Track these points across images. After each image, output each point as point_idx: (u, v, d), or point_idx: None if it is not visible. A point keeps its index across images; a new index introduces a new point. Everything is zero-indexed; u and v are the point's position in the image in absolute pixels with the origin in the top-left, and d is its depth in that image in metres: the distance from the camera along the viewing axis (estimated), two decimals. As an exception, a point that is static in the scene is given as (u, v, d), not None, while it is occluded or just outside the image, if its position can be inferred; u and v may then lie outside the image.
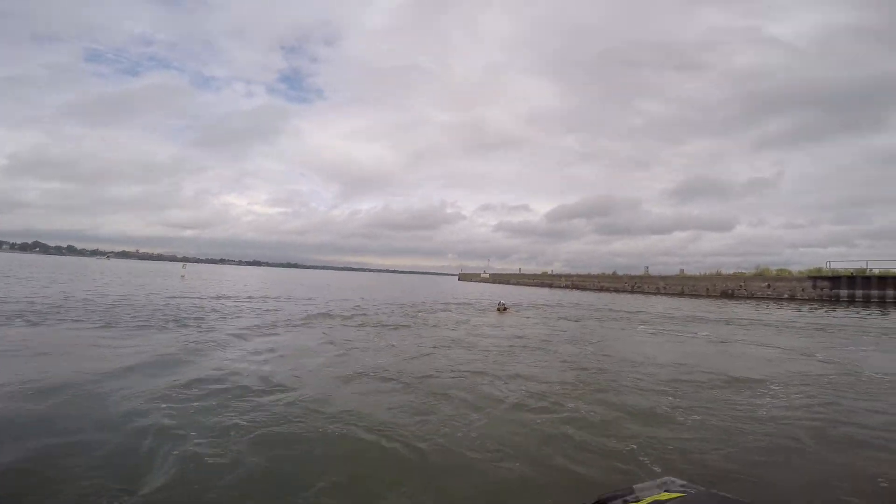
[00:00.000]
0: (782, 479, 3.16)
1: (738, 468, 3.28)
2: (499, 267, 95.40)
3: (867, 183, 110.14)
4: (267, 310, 13.67)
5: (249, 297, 18.35)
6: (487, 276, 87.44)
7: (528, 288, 54.77)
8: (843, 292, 30.97)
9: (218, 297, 17.38)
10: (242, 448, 3.37)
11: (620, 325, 13.13)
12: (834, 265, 33.98)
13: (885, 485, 3.00)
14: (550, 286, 58.88)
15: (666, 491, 0.88)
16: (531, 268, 79.17)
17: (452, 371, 6.21)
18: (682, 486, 0.89)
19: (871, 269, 31.77)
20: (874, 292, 29.85)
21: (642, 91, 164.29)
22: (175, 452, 3.21)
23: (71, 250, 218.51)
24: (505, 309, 16.19)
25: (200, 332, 8.83)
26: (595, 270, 55.74)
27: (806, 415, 4.51)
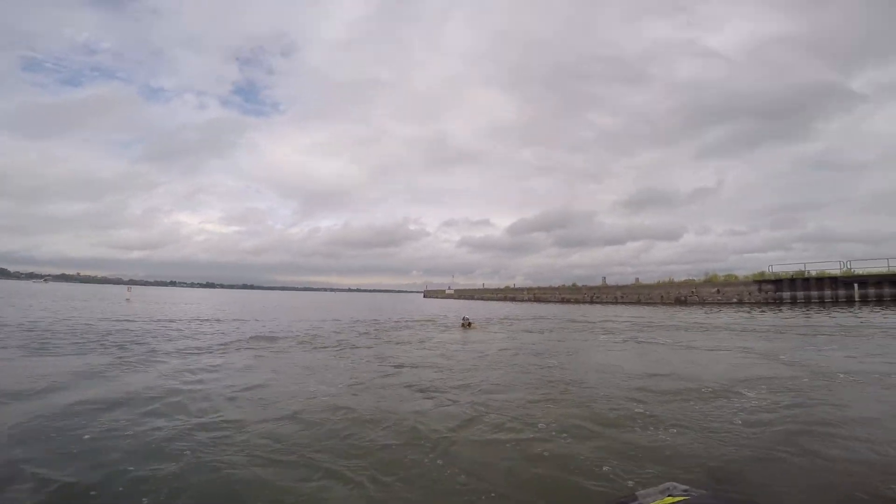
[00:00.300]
0: (774, 486, 2.88)
1: (725, 477, 3.01)
2: (463, 283, 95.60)
3: (799, 189, 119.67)
4: (214, 332, 12.56)
5: (197, 320, 16.94)
6: (452, 292, 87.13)
7: (491, 303, 54.86)
8: (786, 294, 32.93)
9: (163, 321, 15.92)
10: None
11: (584, 336, 13.01)
12: (775, 269, 36.23)
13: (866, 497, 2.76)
14: (513, 300, 59.29)
15: (669, 496, 0.84)
16: (494, 282, 79.81)
17: (417, 392, 5.66)
18: (685, 490, 0.86)
19: (808, 271, 34.07)
20: (813, 293, 31.93)
21: (593, 104, 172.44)
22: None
23: (3, 273, 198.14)
24: (469, 324, 15.88)
25: (134, 355, 7.83)
26: (555, 283, 56.78)
27: (787, 420, 4.31)
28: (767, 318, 18.68)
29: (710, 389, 5.49)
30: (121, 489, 2.90)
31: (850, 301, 30.34)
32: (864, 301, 29.85)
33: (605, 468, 3.22)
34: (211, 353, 8.91)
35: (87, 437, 3.80)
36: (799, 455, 3.40)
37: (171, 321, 16.42)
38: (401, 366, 7.67)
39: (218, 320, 17.46)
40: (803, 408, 4.68)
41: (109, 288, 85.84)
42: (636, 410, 4.64)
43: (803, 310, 23.46)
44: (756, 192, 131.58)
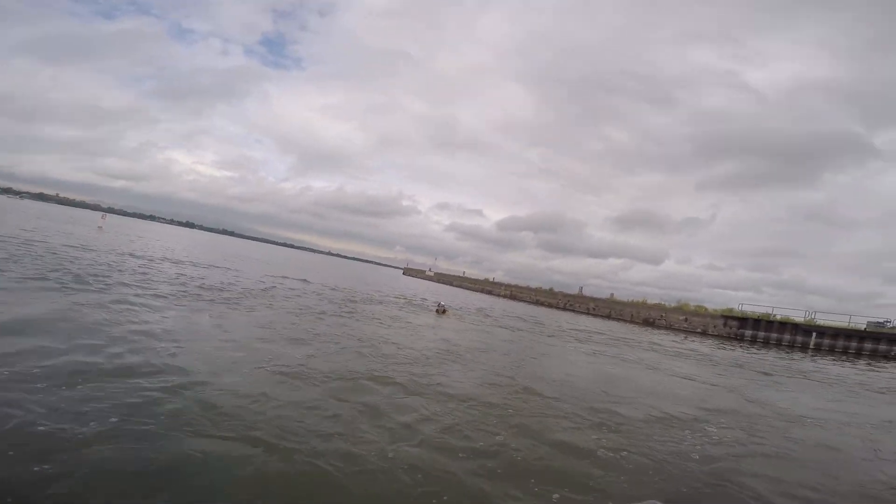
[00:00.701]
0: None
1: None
2: (444, 267, 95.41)
3: (786, 236, 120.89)
4: (185, 277, 12.15)
5: (165, 260, 16.44)
6: (432, 274, 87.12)
7: (469, 292, 55.11)
8: (748, 332, 34.03)
9: (129, 256, 15.35)
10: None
11: (555, 342, 13.14)
12: (745, 308, 37.32)
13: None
14: (490, 293, 59.65)
15: None
16: (475, 272, 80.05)
17: (375, 376, 5.56)
18: None
19: (774, 315, 35.25)
20: (773, 335, 33.09)
21: (611, 118, 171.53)
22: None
23: None
24: (444, 311, 15.80)
25: (91, 293, 7.48)
26: (533, 283, 57.23)
27: (748, 458, 4.38)
28: (729, 352, 19.23)
29: (673, 418, 5.58)
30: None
31: (804, 347, 31.59)
32: (818, 349, 31.11)
33: (554, 496, 3.15)
34: (200, 302, 8.64)
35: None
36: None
37: (141, 258, 15.87)
38: (372, 344, 7.56)
39: (211, 267, 16.99)
40: (761, 446, 4.77)
41: (84, 212, 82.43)
42: (595, 436, 4.62)
43: (761, 349, 24.30)
44: (745, 231, 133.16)
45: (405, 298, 20.91)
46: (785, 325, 33.35)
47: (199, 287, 10.86)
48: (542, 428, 4.55)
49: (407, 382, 5.53)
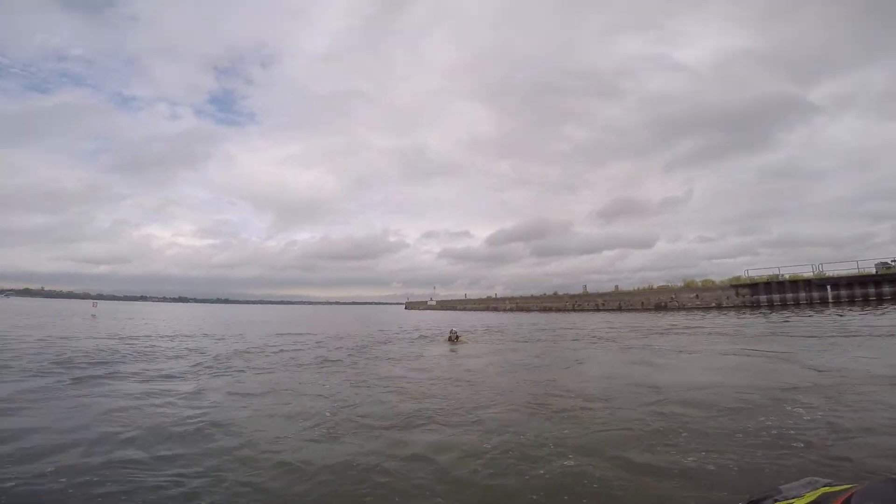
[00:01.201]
0: None
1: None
2: (444, 294, 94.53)
3: (764, 196, 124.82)
4: (187, 350, 11.37)
5: (161, 336, 15.58)
6: (434, 303, 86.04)
7: (475, 313, 54.14)
8: (763, 297, 33.48)
9: (130, 338, 14.53)
10: None
11: (579, 345, 12.42)
12: (751, 273, 36.90)
13: None
14: (496, 310, 58.80)
15: (814, 489, 0.81)
16: (475, 292, 79.13)
17: (409, 419, 4.85)
18: (828, 483, 0.83)
19: (782, 275, 34.82)
20: (788, 296, 32.57)
21: (568, 118, 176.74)
22: None
23: None
24: (457, 337, 14.79)
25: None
26: (534, 291, 56.72)
27: (862, 434, 3.71)
28: (755, 321, 18.59)
29: (747, 404, 4.90)
30: None
31: (823, 302, 31.02)
32: (838, 302, 30.57)
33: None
34: (182, 378, 7.86)
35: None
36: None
37: (137, 338, 15.02)
38: (394, 389, 6.82)
39: (205, 336, 16.14)
40: (867, 418, 4.10)
41: (75, 303, 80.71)
42: (671, 442, 3.94)
43: (782, 312, 23.68)
44: (723, 200, 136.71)
45: (417, 331, 20.11)
46: (797, 283, 32.88)
47: (207, 356, 10.12)
48: (609, 443, 3.86)
49: (448, 421, 4.82)
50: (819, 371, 6.60)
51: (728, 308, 33.21)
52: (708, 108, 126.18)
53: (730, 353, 9.12)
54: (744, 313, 25.55)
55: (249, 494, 3.06)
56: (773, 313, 23.67)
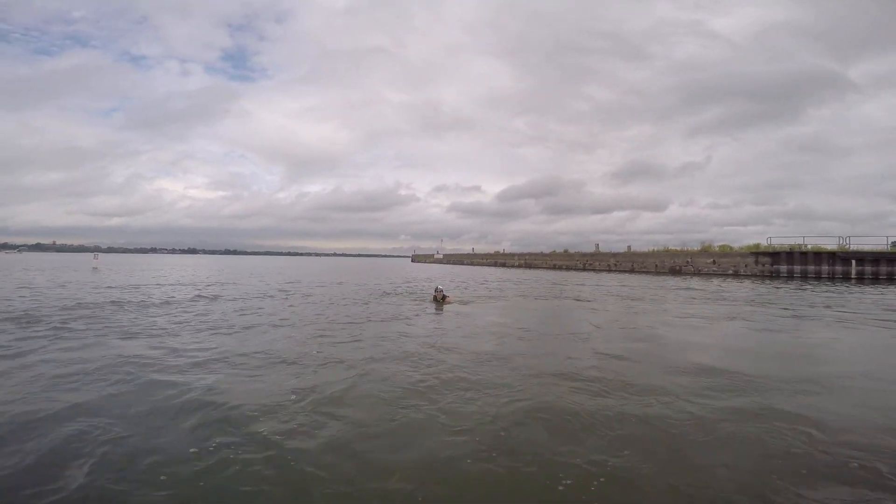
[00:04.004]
0: None
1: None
2: (450, 247, 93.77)
3: (783, 168, 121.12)
4: (156, 300, 10.60)
5: (158, 285, 14.95)
6: (441, 256, 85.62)
7: (481, 268, 53.48)
8: (783, 268, 32.07)
9: (109, 288, 13.88)
10: None
11: (598, 306, 11.41)
12: (773, 241, 35.26)
13: None
14: (504, 265, 58.08)
15: None
16: (482, 247, 78.23)
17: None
18: None
19: (806, 246, 33.18)
20: (810, 267, 31.11)
21: (590, 77, 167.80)
22: None
23: None
24: (444, 298, 11.54)
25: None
26: (541, 248, 55.70)
27: None
28: (790, 292, 17.45)
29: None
30: None
31: (846, 277, 29.65)
32: (861, 278, 29.19)
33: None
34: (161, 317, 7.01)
35: None
36: None
37: (125, 287, 14.35)
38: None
39: (181, 284, 15.45)
40: None
41: (82, 256, 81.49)
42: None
43: (806, 285, 22.48)
44: (742, 168, 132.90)
45: (408, 284, 19.28)
46: (820, 256, 31.30)
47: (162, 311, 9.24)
48: (694, 458, 2.82)
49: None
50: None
51: (745, 276, 31.99)
52: (739, 78, 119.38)
53: (786, 330, 7.99)
54: (766, 283, 24.34)
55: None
56: (806, 285, 22.46)
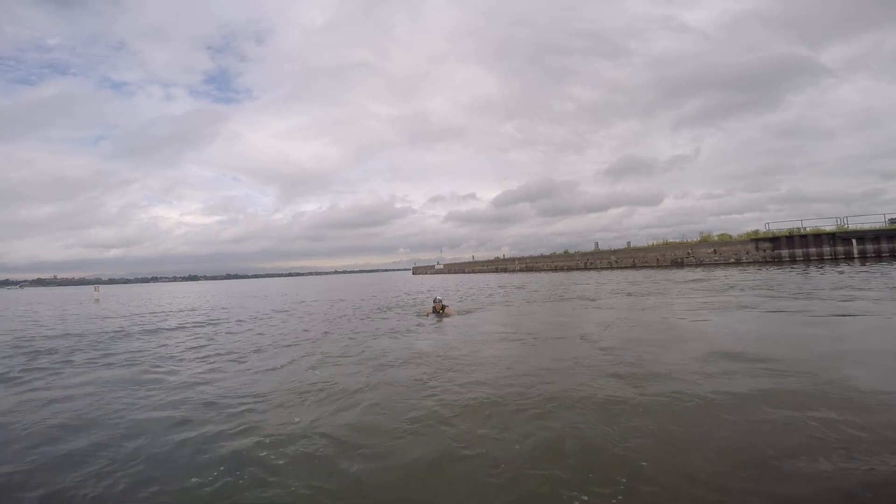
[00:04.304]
0: None
1: None
2: (451, 257, 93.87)
3: (771, 154, 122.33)
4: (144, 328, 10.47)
5: (165, 313, 14.80)
6: (442, 266, 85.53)
7: (483, 275, 53.34)
8: (785, 252, 32.04)
9: (107, 318, 13.74)
10: None
11: (605, 302, 11.30)
12: (771, 226, 35.29)
13: None
14: (505, 271, 58.05)
15: None
16: (481, 254, 78.51)
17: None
18: None
19: (805, 229, 33.18)
20: (812, 250, 31.07)
21: (573, 78, 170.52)
22: None
23: None
24: (443, 308, 10.86)
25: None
26: (541, 251, 55.81)
27: None
28: (798, 276, 17.36)
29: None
30: None
31: (849, 257, 29.59)
32: (863, 257, 29.13)
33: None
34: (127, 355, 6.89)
35: None
36: None
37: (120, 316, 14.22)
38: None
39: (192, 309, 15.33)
40: None
41: (84, 289, 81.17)
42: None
43: (807, 268, 22.39)
44: (730, 157, 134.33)
45: (410, 296, 19.15)
46: (820, 237, 31.26)
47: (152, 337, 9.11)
48: None
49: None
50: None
51: (748, 263, 31.91)
52: (716, 69, 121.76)
53: (815, 316, 7.81)
54: (771, 268, 24.25)
55: None
56: (811, 268, 22.39)
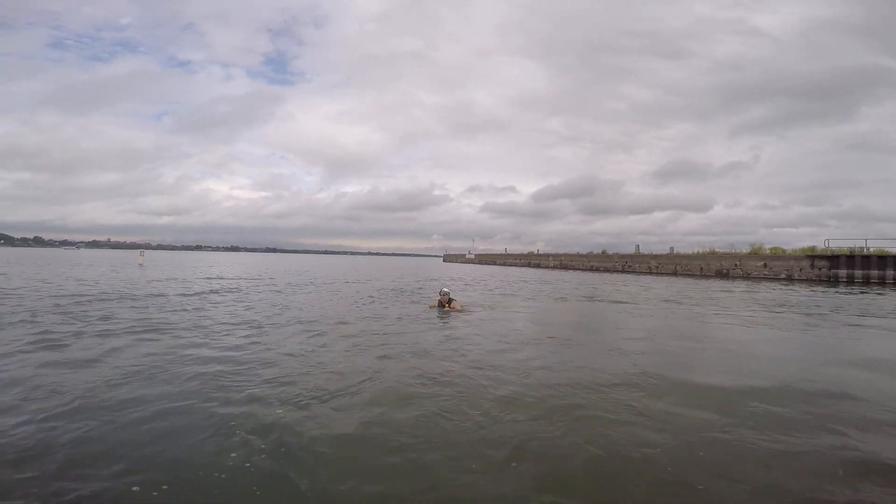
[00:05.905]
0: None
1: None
2: (482, 247, 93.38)
3: (836, 167, 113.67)
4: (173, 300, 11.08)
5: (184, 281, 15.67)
6: (472, 256, 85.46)
7: (514, 268, 52.93)
8: (843, 272, 29.89)
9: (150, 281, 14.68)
10: None
11: (653, 312, 10.93)
12: (832, 244, 32.91)
13: None
14: (538, 266, 57.27)
15: None
16: (515, 247, 77.36)
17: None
18: None
19: (868, 249, 30.81)
20: (874, 272, 28.83)
21: (626, 77, 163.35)
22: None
23: (38, 241, 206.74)
24: (450, 302, 10.18)
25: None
26: (577, 249, 54.51)
27: None
28: (856, 298, 16.26)
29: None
30: None
31: (917, 284, 27.29)
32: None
33: None
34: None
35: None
36: None
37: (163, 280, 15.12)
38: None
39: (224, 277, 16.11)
40: None
41: (134, 253, 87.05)
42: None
43: (870, 290, 20.86)
44: (791, 168, 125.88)
45: (434, 282, 19.25)
46: (885, 259, 28.91)
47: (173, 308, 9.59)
48: None
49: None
50: None
51: (800, 281, 30.06)
52: (785, 77, 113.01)
53: None
54: (826, 288, 22.79)
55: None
56: (870, 291, 20.89)
